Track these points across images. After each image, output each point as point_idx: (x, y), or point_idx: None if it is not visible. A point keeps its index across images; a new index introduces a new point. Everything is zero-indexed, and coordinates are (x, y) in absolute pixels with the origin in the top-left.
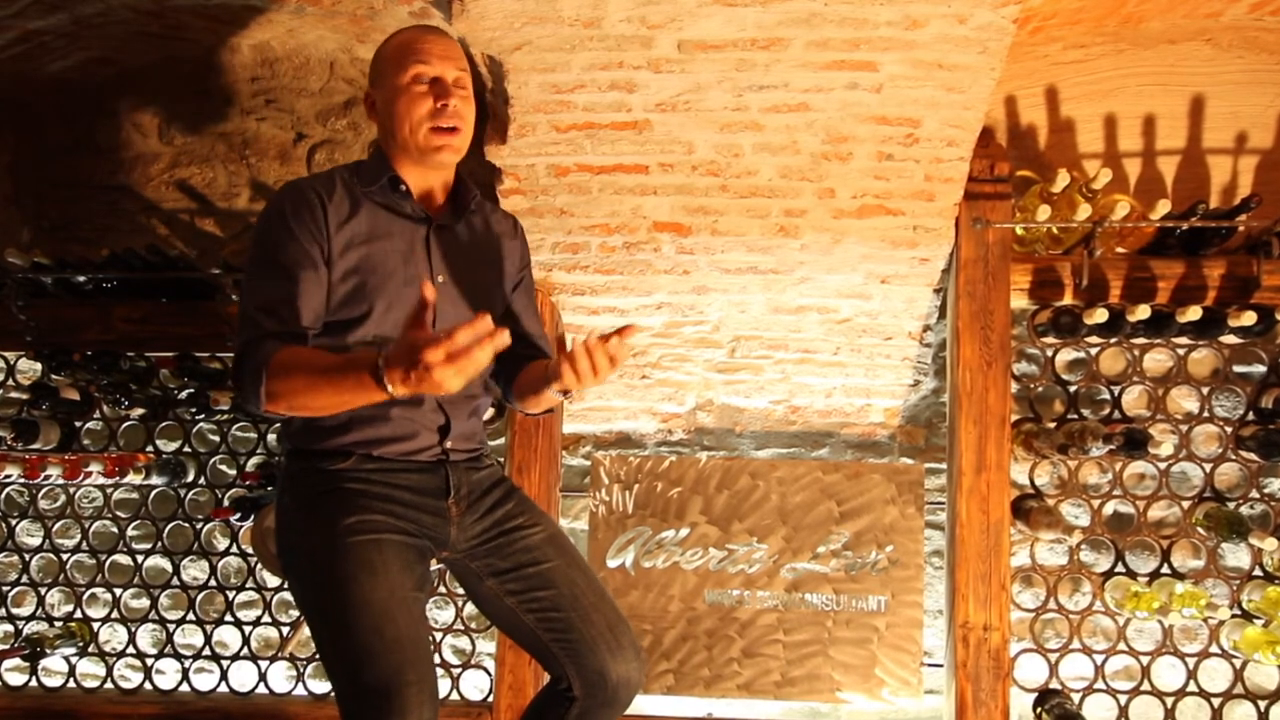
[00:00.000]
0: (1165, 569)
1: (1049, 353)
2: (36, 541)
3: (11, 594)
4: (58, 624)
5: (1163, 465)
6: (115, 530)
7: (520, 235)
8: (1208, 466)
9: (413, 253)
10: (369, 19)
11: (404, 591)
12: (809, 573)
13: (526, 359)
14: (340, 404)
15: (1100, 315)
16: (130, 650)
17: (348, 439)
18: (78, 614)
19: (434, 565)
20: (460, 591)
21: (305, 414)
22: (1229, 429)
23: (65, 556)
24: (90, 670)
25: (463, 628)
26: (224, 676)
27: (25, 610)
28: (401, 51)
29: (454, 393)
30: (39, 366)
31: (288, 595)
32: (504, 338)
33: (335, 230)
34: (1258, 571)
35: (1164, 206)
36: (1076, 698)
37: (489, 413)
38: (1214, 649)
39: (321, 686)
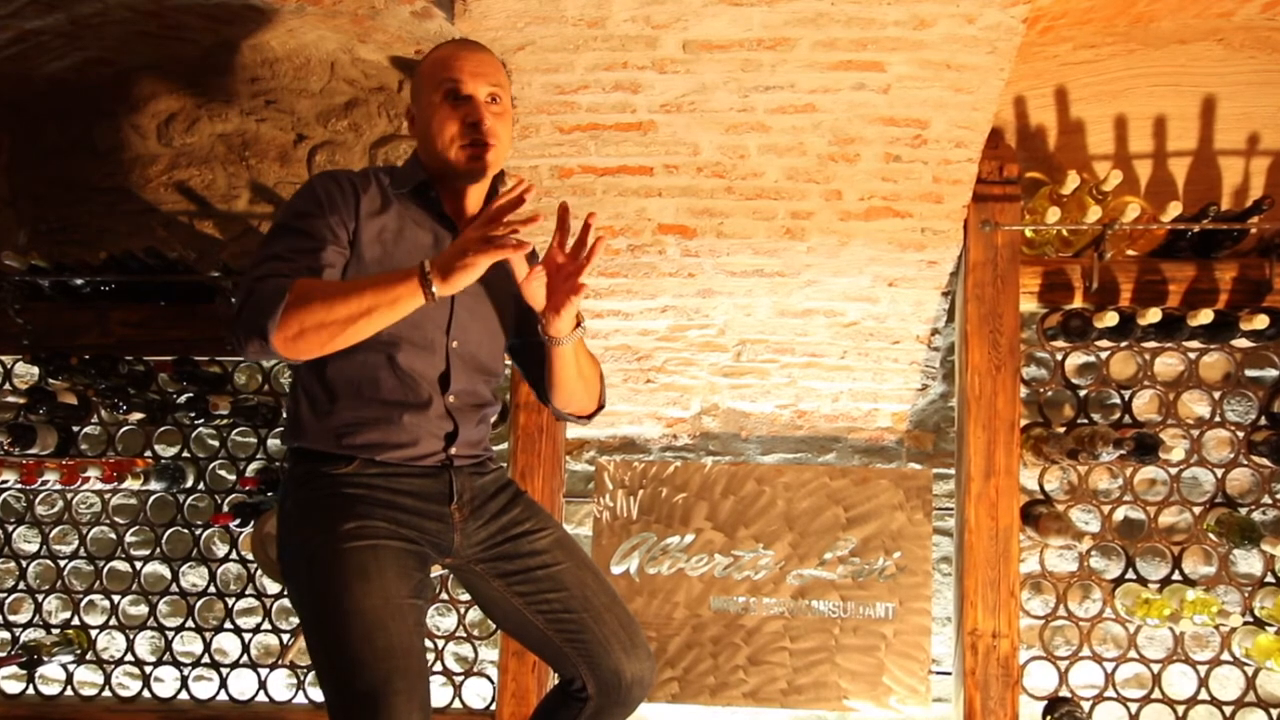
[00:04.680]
0: (1176, 575)
1: (1059, 356)
2: (34, 548)
3: (8, 601)
4: (55, 631)
5: (1174, 470)
6: (113, 536)
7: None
8: (1219, 472)
9: None
10: (370, 18)
11: (399, 599)
12: (816, 579)
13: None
14: (363, 312)
15: (1110, 318)
16: (129, 658)
17: (353, 440)
18: (75, 621)
19: (437, 571)
20: (463, 598)
21: (317, 339)
22: (1241, 434)
23: (63, 563)
24: (88, 678)
25: (465, 635)
26: (223, 684)
27: (22, 617)
28: (435, 68)
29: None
30: (36, 370)
31: (287, 602)
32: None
33: (365, 218)
34: (1270, 578)
35: (1175, 208)
36: (1087, 706)
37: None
38: (1225, 657)
39: (321, 694)
